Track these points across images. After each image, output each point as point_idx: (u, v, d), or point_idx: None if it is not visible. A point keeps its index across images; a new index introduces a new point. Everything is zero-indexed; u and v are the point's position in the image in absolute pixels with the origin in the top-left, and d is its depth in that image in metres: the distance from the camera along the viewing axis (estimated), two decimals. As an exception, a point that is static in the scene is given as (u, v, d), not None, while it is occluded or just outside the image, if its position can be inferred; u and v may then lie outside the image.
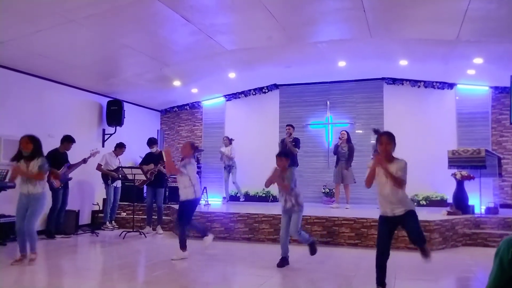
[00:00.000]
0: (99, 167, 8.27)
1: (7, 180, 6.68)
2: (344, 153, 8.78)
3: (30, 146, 5.21)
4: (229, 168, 9.96)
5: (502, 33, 6.48)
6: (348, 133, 9.03)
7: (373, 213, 7.24)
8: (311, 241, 5.26)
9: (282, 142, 9.15)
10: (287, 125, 9.27)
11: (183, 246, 5.57)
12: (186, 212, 5.63)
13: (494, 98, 9.39)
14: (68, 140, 7.40)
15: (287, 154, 5.54)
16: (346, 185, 8.80)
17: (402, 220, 3.84)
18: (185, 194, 5.60)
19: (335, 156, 9.02)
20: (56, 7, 5.48)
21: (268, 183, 5.26)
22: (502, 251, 1.88)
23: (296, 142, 9.00)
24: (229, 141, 10.05)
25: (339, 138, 8.98)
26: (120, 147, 8.58)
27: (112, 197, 8.35)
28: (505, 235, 6.53)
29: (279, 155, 5.36)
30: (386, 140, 3.86)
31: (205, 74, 9.32)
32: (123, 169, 7.98)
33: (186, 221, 5.63)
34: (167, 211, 8.50)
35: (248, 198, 10.24)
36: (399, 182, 3.71)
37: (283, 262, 5.16)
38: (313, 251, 5.24)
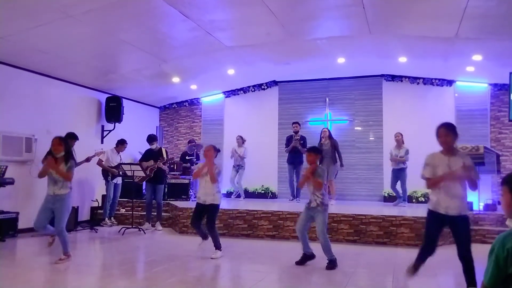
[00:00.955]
0: (100, 163, 8.26)
1: (9, 177, 6.69)
2: (327, 150, 8.57)
3: (61, 148, 5.18)
4: (238, 167, 9.90)
5: (501, 30, 6.48)
6: (329, 131, 8.91)
7: (372, 209, 7.28)
8: (332, 259, 4.94)
9: (289, 139, 9.15)
10: (294, 123, 9.29)
11: (218, 246, 5.54)
12: (212, 217, 5.56)
13: (493, 95, 9.40)
14: (71, 137, 7.38)
15: (317, 149, 5.38)
16: (330, 180, 8.72)
17: (452, 222, 3.65)
18: (212, 199, 5.52)
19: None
20: (55, 3, 5.46)
21: (302, 183, 5.15)
22: (498, 249, 1.88)
23: (304, 141, 9.02)
24: (243, 141, 9.99)
25: (321, 136, 8.78)
26: (121, 144, 8.58)
27: (112, 194, 8.35)
28: (503, 231, 6.53)
29: (309, 151, 5.22)
30: (444, 132, 3.69)
31: (204, 70, 9.30)
32: (122, 165, 7.97)
33: (212, 227, 5.55)
34: (166, 207, 8.51)
35: (247, 194, 10.25)
36: (474, 183, 3.57)
37: (303, 259, 5.05)
38: (330, 267, 4.88)
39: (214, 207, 5.54)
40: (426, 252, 3.76)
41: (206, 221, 5.58)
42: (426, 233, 3.83)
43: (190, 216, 7.36)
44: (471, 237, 3.68)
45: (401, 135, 8.72)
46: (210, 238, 5.69)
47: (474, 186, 3.62)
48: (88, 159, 7.51)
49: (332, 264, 4.91)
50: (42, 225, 5.12)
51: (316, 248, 5.03)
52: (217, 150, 5.80)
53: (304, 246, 5.09)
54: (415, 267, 3.82)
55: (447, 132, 3.68)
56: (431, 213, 3.76)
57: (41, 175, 5.23)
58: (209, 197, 5.52)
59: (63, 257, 5.08)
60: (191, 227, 6.15)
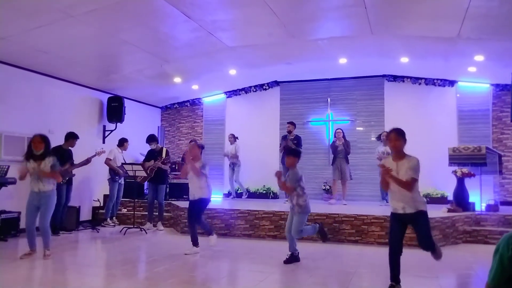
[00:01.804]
0: (108, 162, 8.26)
1: (11, 177, 6.70)
2: (341, 150, 8.76)
3: (42, 146, 5.28)
4: (233, 165, 9.97)
5: (503, 30, 6.47)
6: (343, 131, 9.02)
7: (373, 210, 7.26)
8: (318, 229, 5.22)
9: (284, 139, 9.15)
10: (288, 123, 9.26)
11: (196, 243, 5.69)
12: (198, 210, 5.73)
13: (495, 96, 9.38)
14: (72, 137, 7.40)
15: (294, 152, 5.43)
16: (344, 181, 8.79)
17: (412, 220, 3.81)
18: (200, 193, 5.68)
19: (333, 154, 9.00)
20: (56, 3, 5.47)
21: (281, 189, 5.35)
22: (502, 248, 1.88)
23: (298, 140, 8.99)
24: (234, 138, 10.04)
25: (335, 136, 9.01)
26: (123, 143, 8.62)
27: (116, 193, 8.36)
28: (506, 232, 6.51)
29: (288, 154, 5.38)
30: (394, 136, 3.83)
31: (205, 70, 9.31)
32: (124, 165, 7.98)
33: (198, 219, 5.71)
34: (168, 207, 8.52)
35: (249, 194, 10.26)
36: (408, 186, 3.69)
37: (291, 259, 5.15)
38: (324, 237, 5.21)
39: (201, 201, 5.70)
40: (394, 253, 3.83)
41: (192, 213, 5.71)
42: (390, 235, 3.96)
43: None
44: (429, 228, 3.88)
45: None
46: (212, 237, 5.80)
47: (404, 186, 3.71)
48: (88, 160, 7.51)
49: (322, 232, 5.29)
50: (34, 225, 5.25)
51: (312, 249, 5.03)
52: (201, 147, 6.01)
53: (291, 247, 5.20)
54: (394, 278, 3.86)
55: (397, 136, 3.83)
56: (392, 215, 3.92)
57: (21, 178, 5.32)
58: (197, 191, 5.68)
59: (48, 253, 5.21)
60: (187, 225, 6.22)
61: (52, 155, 5.37)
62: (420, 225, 3.80)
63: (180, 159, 10.49)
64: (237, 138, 10.11)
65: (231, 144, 10.08)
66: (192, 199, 5.76)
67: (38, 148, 5.26)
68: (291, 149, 5.45)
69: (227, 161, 10.38)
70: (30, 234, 5.27)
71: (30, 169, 5.26)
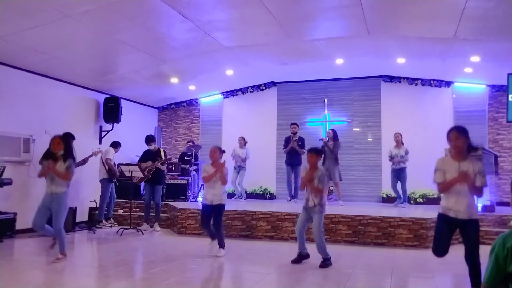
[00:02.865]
0: (108, 161, 8.20)
1: (7, 177, 6.67)
2: (333, 151, 8.74)
3: (61, 147, 5.19)
4: (239, 168, 9.86)
5: (499, 31, 6.49)
6: (334, 131, 8.97)
7: (370, 210, 7.28)
8: (327, 258, 5.01)
9: (287, 140, 9.16)
10: (292, 123, 9.30)
11: (223, 245, 5.63)
12: (220, 216, 5.64)
13: (491, 96, 9.41)
14: (69, 138, 7.36)
15: (318, 150, 5.28)
16: (335, 183, 8.78)
17: (462, 226, 3.61)
18: (222, 199, 5.61)
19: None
20: (53, 3, 5.45)
21: (303, 186, 5.10)
22: (498, 248, 1.89)
23: (302, 141, 9.02)
24: (244, 142, 9.95)
25: (327, 136, 8.94)
26: (117, 145, 8.59)
27: (109, 194, 8.33)
28: (501, 232, 6.52)
29: (309, 151, 5.15)
30: (454, 135, 3.64)
31: (202, 71, 9.30)
32: (120, 166, 7.96)
33: (220, 225, 5.64)
34: (165, 208, 8.49)
35: (246, 195, 10.23)
36: (480, 191, 3.51)
37: (299, 258, 5.12)
38: (324, 266, 4.94)
39: (221, 207, 5.62)
40: (438, 252, 3.72)
41: (213, 221, 5.63)
42: (436, 236, 3.78)
43: (190, 217, 7.41)
44: (479, 241, 3.61)
45: (401, 135, 8.73)
46: (223, 250, 5.70)
47: (477, 192, 3.56)
48: (84, 161, 7.48)
49: (326, 262, 4.98)
50: (40, 224, 5.12)
51: (312, 248, 5.03)
52: (222, 152, 5.85)
53: (301, 246, 5.14)
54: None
55: (458, 135, 3.62)
56: (440, 216, 3.72)
57: (40, 176, 5.23)
58: (216, 197, 5.56)
59: (60, 257, 5.08)
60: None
61: (71, 157, 5.24)
62: (470, 234, 3.56)
63: (177, 159, 10.48)
64: (247, 142, 9.94)
65: (240, 147, 9.89)
66: (209, 203, 5.56)
67: (57, 149, 5.17)
68: (315, 148, 5.26)
69: (228, 162, 10.26)
70: (42, 230, 5.16)
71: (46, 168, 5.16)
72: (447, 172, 3.66)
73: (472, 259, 3.53)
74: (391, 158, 8.68)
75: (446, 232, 3.67)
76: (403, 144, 8.69)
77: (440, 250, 3.69)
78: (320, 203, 5.00)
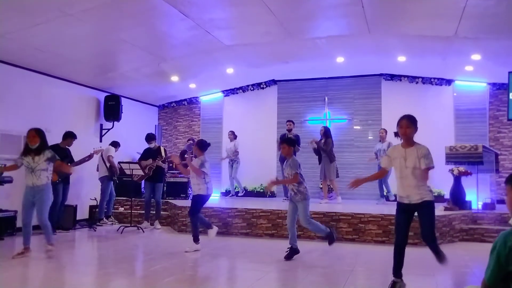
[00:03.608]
0: (110, 160, 8.21)
1: (8, 175, 6.67)
2: (325, 149, 8.70)
3: (37, 140, 5.24)
4: (232, 162, 9.97)
5: (500, 29, 6.48)
6: (326, 128, 8.91)
7: (370, 208, 7.28)
8: (328, 232, 5.24)
9: (282, 138, 9.14)
10: (288, 121, 9.28)
11: (196, 239, 5.75)
12: (195, 205, 5.84)
13: (492, 95, 9.41)
14: (70, 136, 7.36)
15: (290, 140, 5.55)
16: (330, 180, 8.76)
17: (418, 210, 3.78)
18: (201, 189, 5.81)
19: (317, 154, 8.89)
20: (54, 1, 5.46)
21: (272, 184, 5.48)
22: (499, 246, 1.89)
23: (297, 139, 8.97)
24: (234, 136, 10.04)
25: (320, 133, 8.89)
26: (117, 145, 8.60)
27: (109, 192, 8.34)
28: (502, 230, 6.52)
29: (281, 143, 5.44)
30: (406, 123, 3.82)
31: (203, 69, 9.30)
32: (121, 164, 7.97)
33: (195, 214, 5.79)
34: (165, 206, 8.51)
35: (246, 193, 10.26)
36: (426, 173, 3.70)
37: (291, 253, 5.18)
38: (331, 241, 5.23)
39: (198, 197, 5.81)
40: (398, 245, 3.82)
41: (191, 207, 5.84)
42: (395, 225, 3.97)
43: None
44: (434, 220, 3.82)
45: (385, 131, 8.74)
46: (212, 230, 5.94)
47: (424, 174, 3.72)
48: (90, 156, 7.46)
49: (330, 237, 5.22)
50: (30, 219, 5.20)
51: (311, 246, 5.04)
52: (207, 145, 6.05)
53: (291, 239, 5.22)
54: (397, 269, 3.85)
55: (408, 123, 3.82)
56: (397, 204, 3.92)
57: (4, 170, 5.33)
58: (195, 187, 5.85)
59: (50, 248, 5.16)
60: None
61: (48, 148, 5.34)
62: (424, 215, 3.76)
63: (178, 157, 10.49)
64: (236, 136, 10.10)
65: (230, 141, 10.06)
66: (193, 193, 5.96)
67: (33, 142, 5.21)
68: (285, 138, 5.48)
69: (226, 161, 10.35)
70: (26, 230, 5.21)
71: (25, 164, 5.22)
72: (394, 159, 3.88)
73: (430, 236, 3.75)
74: (376, 154, 8.70)
75: (402, 220, 3.83)
76: (386, 139, 8.69)
77: (401, 239, 3.79)
78: (299, 191, 5.12)
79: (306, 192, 5.19)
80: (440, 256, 3.81)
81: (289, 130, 9.13)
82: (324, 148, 8.67)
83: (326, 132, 8.82)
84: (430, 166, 3.71)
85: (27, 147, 5.28)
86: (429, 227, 3.76)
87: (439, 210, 7.06)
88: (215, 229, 6.01)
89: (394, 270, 3.83)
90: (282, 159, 9.17)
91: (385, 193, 8.70)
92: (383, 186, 8.66)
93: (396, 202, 3.96)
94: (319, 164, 8.83)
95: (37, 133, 5.27)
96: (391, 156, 3.95)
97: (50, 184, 5.30)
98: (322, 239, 5.42)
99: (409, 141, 3.84)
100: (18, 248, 5.36)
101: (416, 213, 3.84)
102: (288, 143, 5.37)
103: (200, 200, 5.85)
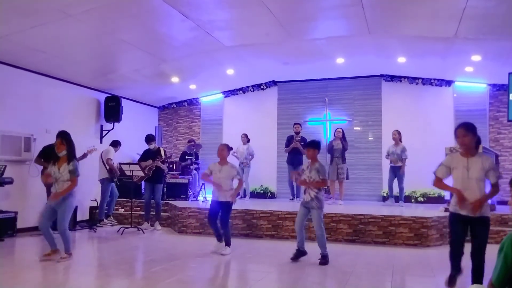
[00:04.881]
0: (109, 162, 8.20)
1: (8, 176, 6.66)
2: (337, 150, 8.74)
3: (63, 147, 5.12)
4: (242, 166, 9.74)
5: (500, 30, 6.49)
6: (343, 131, 8.99)
7: (371, 209, 7.27)
8: (326, 254, 5.06)
9: (290, 140, 9.17)
10: (295, 123, 9.34)
11: (229, 243, 5.68)
12: (228, 213, 5.71)
13: (492, 96, 9.41)
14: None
15: (315, 144, 5.32)
16: (340, 181, 8.79)
17: (474, 224, 3.57)
18: (227, 196, 5.65)
19: (329, 153, 8.95)
20: (54, 2, 5.46)
21: (301, 184, 5.30)
22: (506, 247, 1.88)
23: (304, 141, 9.00)
24: (247, 139, 9.89)
25: (335, 135, 8.94)
26: (117, 144, 8.58)
27: (109, 194, 8.34)
28: (502, 231, 6.50)
29: (307, 146, 5.32)
30: (461, 132, 3.59)
31: (203, 70, 9.30)
32: (121, 165, 7.97)
33: (227, 222, 5.68)
34: (165, 207, 8.50)
35: (247, 194, 10.23)
36: (496, 187, 3.58)
37: (298, 254, 5.15)
38: (324, 263, 5.00)
39: (229, 205, 5.67)
40: (455, 255, 3.70)
41: (220, 218, 5.68)
42: (452, 236, 3.79)
43: (191, 216, 7.42)
44: (488, 239, 3.61)
45: (399, 133, 8.65)
46: (229, 248, 5.73)
47: (495, 189, 3.62)
48: (84, 155, 7.44)
49: (324, 259, 5.04)
50: (46, 227, 5.10)
51: (312, 247, 5.03)
52: (230, 149, 5.98)
53: (300, 242, 5.17)
54: (452, 277, 3.74)
55: (465, 132, 3.59)
56: (452, 215, 3.72)
57: (46, 184, 5.13)
58: (226, 193, 5.63)
59: (64, 256, 5.09)
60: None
61: (74, 159, 5.17)
62: (480, 232, 3.55)
63: (178, 158, 10.49)
64: (249, 139, 9.91)
65: (243, 144, 9.87)
66: (217, 199, 5.66)
67: (59, 149, 5.12)
68: (311, 141, 5.34)
69: (232, 159, 10.24)
70: (45, 234, 5.12)
71: (51, 172, 5.12)
72: (454, 169, 3.71)
73: (479, 257, 3.53)
74: (388, 155, 8.67)
75: (460, 232, 3.65)
76: (401, 141, 8.62)
77: (458, 249, 3.65)
78: (317, 196, 5.04)
79: (323, 200, 5.13)
80: (477, 281, 3.53)
81: (297, 133, 9.16)
82: (346, 148, 8.78)
83: (344, 134, 8.93)
84: (499, 179, 3.59)
85: (53, 153, 5.18)
86: (482, 245, 3.53)
87: (439, 211, 7.06)
88: (225, 246, 5.69)
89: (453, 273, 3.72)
90: (291, 161, 9.19)
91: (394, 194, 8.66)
92: (392, 188, 8.63)
93: (449, 213, 3.77)
94: (330, 164, 8.83)
95: (63, 140, 5.12)
96: (450, 166, 3.76)
97: (74, 193, 5.19)
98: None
99: (470, 150, 3.62)
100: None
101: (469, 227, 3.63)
102: (313, 146, 5.22)
103: (231, 207, 5.72)
